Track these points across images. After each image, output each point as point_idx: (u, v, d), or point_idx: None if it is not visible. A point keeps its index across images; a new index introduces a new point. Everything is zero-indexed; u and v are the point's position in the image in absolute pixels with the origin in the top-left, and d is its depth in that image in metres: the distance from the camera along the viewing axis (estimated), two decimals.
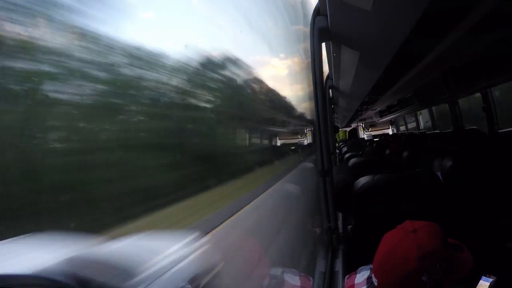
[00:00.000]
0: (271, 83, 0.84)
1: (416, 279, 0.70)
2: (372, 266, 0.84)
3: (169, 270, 0.31)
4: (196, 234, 0.37)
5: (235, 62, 0.58)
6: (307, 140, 1.48)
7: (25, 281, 0.17)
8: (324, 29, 1.46)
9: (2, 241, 0.20)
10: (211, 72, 0.48)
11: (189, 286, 0.34)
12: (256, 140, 0.69)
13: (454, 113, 3.65)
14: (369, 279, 0.81)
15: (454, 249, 0.77)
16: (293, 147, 1.20)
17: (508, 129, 2.89)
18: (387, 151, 2.87)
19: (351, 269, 0.93)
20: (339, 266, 1.37)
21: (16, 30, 0.22)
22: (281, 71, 0.98)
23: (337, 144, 7.05)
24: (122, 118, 0.31)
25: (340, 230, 1.75)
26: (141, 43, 0.33)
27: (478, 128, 3.34)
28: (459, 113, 3.65)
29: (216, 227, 0.41)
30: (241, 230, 0.50)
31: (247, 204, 0.54)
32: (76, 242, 0.25)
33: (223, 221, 0.43)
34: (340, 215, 2.10)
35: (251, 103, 0.65)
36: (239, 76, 0.60)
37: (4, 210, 0.21)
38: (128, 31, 0.31)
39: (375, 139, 8.10)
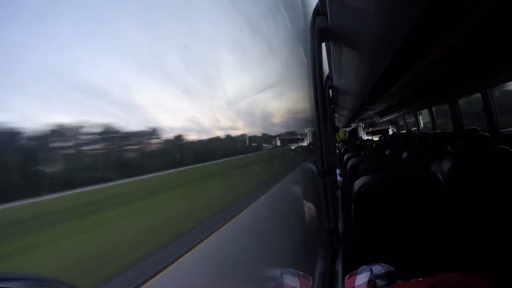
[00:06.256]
0: (270, 83, 0.84)
1: None
2: (372, 267, 0.84)
3: (170, 270, 0.31)
4: (197, 235, 0.37)
5: (234, 62, 0.58)
6: (307, 140, 1.48)
7: (25, 281, 0.17)
8: (324, 29, 1.46)
9: None
10: (211, 73, 0.48)
11: (189, 286, 0.34)
12: (256, 141, 0.69)
13: (454, 113, 3.66)
14: (370, 282, 0.81)
15: None
16: (293, 147, 1.20)
17: (508, 129, 2.89)
18: (387, 152, 2.87)
19: (351, 269, 0.93)
20: (339, 266, 1.37)
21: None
22: (281, 71, 0.98)
23: (337, 144, 7.05)
24: (123, 118, 0.31)
25: (340, 230, 1.75)
26: (140, 43, 0.33)
27: (478, 128, 3.34)
28: (459, 113, 3.65)
29: (218, 228, 0.41)
30: (243, 231, 0.50)
31: (249, 205, 0.54)
32: None
33: (225, 223, 0.43)
34: (340, 215, 2.11)
35: (250, 103, 0.65)
36: (239, 76, 0.60)
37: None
38: (126, 31, 0.31)
39: (375, 139, 8.11)
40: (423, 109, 5.07)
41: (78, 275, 0.23)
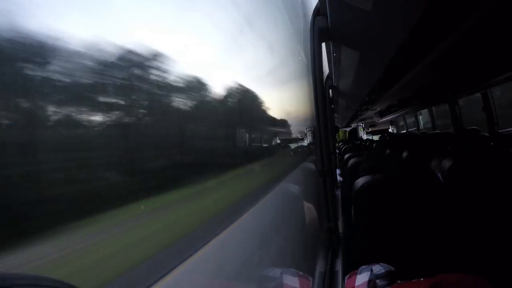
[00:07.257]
0: (271, 83, 0.84)
1: None
2: (372, 267, 0.84)
3: (171, 271, 0.31)
4: (198, 236, 0.37)
5: (235, 62, 0.58)
6: (307, 140, 1.48)
7: (25, 281, 0.17)
8: (324, 29, 1.46)
9: None
10: (210, 73, 0.48)
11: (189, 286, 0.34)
12: (256, 141, 0.69)
13: (454, 113, 3.65)
14: (370, 282, 0.81)
15: None
16: (293, 147, 1.20)
17: (508, 129, 2.89)
18: (387, 152, 2.87)
19: (351, 269, 0.93)
20: (339, 266, 1.37)
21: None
22: (281, 71, 0.98)
23: (337, 144, 7.04)
24: (122, 118, 0.31)
25: (340, 230, 1.75)
26: (139, 43, 0.33)
27: (478, 129, 3.34)
28: (459, 113, 3.65)
29: (219, 228, 0.41)
30: (243, 231, 0.50)
31: (249, 206, 0.54)
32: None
33: (226, 224, 0.43)
34: (340, 215, 2.11)
35: (250, 103, 0.65)
36: (239, 76, 0.60)
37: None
38: (125, 31, 0.31)
39: (375, 138, 8.11)
40: (423, 109, 5.07)
41: (80, 276, 0.23)
